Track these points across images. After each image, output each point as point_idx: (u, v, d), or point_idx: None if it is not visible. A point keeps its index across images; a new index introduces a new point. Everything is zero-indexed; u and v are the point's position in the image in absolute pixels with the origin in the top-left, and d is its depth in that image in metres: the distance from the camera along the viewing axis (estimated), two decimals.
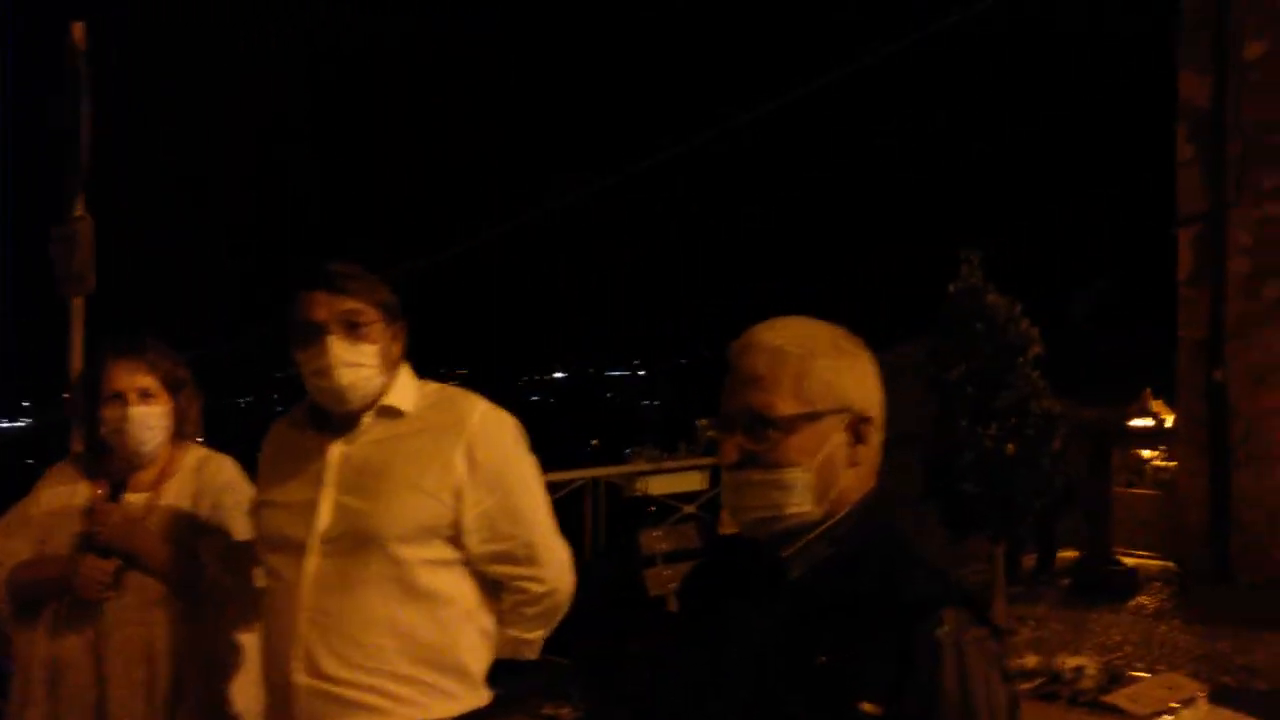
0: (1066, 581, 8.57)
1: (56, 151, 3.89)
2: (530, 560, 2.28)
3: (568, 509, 6.90)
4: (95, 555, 2.56)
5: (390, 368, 2.29)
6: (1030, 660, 3.10)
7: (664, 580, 6.24)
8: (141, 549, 2.61)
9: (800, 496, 1.46)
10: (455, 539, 2.21)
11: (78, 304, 4.00)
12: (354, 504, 2.19)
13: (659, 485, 7.50)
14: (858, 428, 1.51)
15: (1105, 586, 8.26)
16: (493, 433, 2.27)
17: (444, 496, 2.18)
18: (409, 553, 2.16)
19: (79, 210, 3.90)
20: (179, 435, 2.80)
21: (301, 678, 2.15)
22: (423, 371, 2.39)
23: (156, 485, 2.73)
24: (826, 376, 1.48)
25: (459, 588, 2.24)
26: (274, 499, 2.31)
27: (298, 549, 2.20)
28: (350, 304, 2.22)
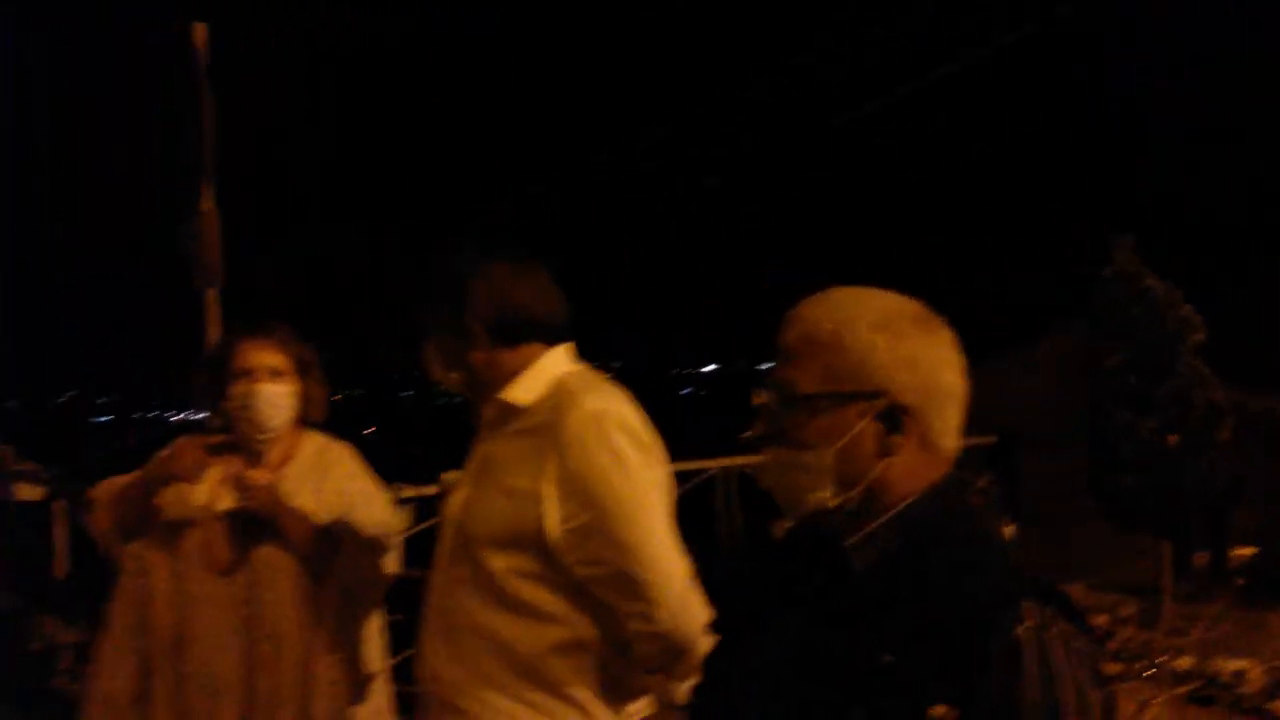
0: (1241, 580, 8.04)
1: (184, 150, 4.02)
2: (631, 595, 1.96)
3: (698, 502, 6.81)
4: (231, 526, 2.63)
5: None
6: (1184, 662, 2.86)
7: None
8: (286, 524, 2.63)
9: (816, 481, 1.36)
10: (548, 556, 1.99)
11: (211, 296, 4.09)
12: (471, 496, 2.12)
13: None
14: (893, 416, 1.35)
15: None
16: (590, 440, 1.98)
17: (530, 507, 1.98)
18: (497, 560, 2.01)
19: (206, 204, 3.99)
20: (302, 420, 2.81)
21: (424, 673, 2.12)
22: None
23: (278, 468, 2.74)
24: (859, 357, 1.35)
25: (565, 609, 2.01)
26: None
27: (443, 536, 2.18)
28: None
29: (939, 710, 1.19)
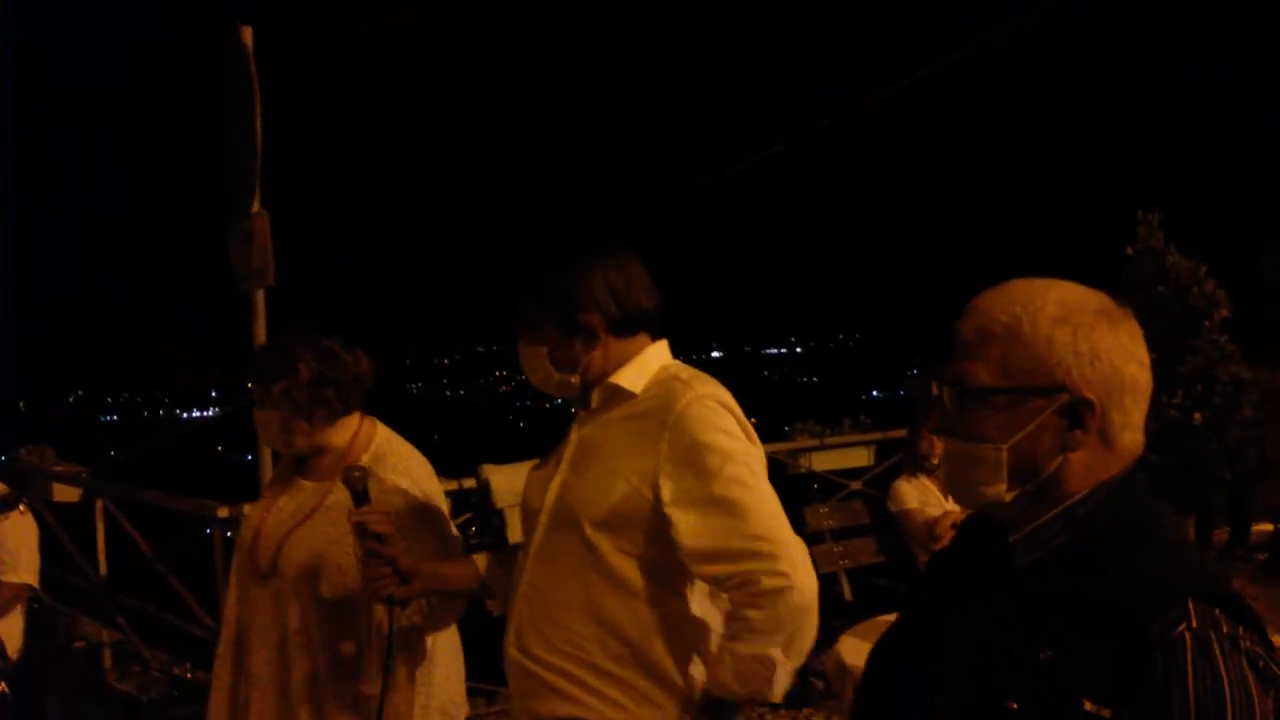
0: (1262, 556, 8.07)
1: (229, 152, 4.06)
2: (751, 555, 1.96)
3: None
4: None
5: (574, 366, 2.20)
6: None
7: (834, 556, 6.17)
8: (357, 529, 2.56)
9: (990, 475, 1.35)
10: (657, 534, 2.03)
11: (259, 298, 4.13)
12: (570, 480, 2.16)
13: (822, 461, 7.37)
14: (1075, 410, 1.32)
15: None
16: (695, 419, 2.03)
17: (641, 486, 2.04)
18: (604, 540, 2.05)
19: (255, 207, 4.01)
20: (332, 415, 2.74)
21: (512, 650, 2.16)
22: None
23: (329, 476, 2.74)
24: (1039, 350, 1.32)
25: (665, 590, 2.07)
26: (537, 472, 2.31)
27: (533, 522, 2.21)
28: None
29: (1091, 706, 1.19)
